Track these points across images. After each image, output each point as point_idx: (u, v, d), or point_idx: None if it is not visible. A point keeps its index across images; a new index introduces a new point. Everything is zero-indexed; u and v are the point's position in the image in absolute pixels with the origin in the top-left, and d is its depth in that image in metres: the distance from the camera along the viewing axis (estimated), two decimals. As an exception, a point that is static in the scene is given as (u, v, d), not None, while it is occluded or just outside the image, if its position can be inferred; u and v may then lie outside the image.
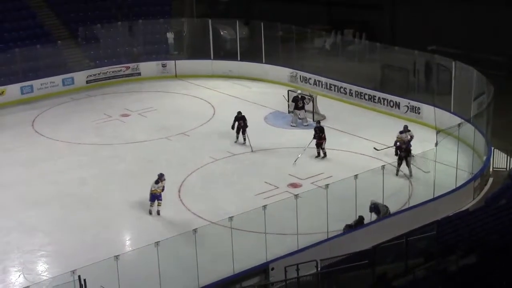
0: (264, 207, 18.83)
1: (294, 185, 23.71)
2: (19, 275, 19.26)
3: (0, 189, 24.41)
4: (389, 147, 25.37)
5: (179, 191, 23.76)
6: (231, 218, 18.62)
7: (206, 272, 18.09)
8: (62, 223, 21.89)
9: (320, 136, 25.98)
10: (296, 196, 19.54)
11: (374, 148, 25.75)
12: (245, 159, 26.32)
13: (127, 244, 21.12)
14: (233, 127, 27.58)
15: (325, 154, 26.01)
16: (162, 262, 17.36)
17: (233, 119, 27.61)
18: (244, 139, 27.39)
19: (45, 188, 24.40)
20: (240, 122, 27.55)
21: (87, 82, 36.16)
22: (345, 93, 32.59)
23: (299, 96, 29.92)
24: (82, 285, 15.64)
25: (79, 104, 33.84)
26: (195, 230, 17.74)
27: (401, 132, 25.20)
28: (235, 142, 27.54)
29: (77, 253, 19.81)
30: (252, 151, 26.77)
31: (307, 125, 29.39)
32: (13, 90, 34.02)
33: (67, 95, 34.31)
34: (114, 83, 36.41)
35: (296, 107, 29.72)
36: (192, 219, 21.53)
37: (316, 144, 26.00)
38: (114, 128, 30.33)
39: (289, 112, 30.47)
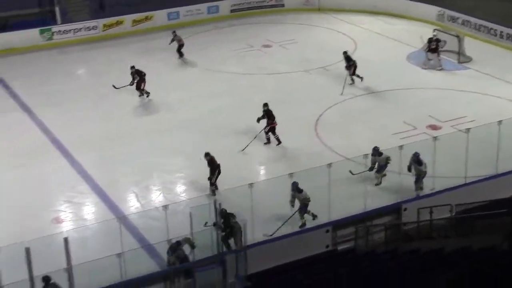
0: (401, 147, 18.53)
1: (433, 127, 23.08)
2: (159, 194, 20.14)
3: (144, 112, 25.55)
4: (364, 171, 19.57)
5: (316, 125, 23.78)
6: (366, 156, 18.53)
7: (339, 206, 18.08)
8: (201, 148, 22.42)
9: (272, 121, 22.35)
10: (435, 138, 19.05)
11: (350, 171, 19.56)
12: (385, 97, 25.85)
13: (261, 173, 21.53)
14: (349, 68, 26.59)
15: (279, 141, 22.30)
16: (295, 193, 17.58)
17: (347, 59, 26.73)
18: (352, 80, 26.57)
19: (185, 114, 25.09)
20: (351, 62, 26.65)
21: (231, 11, 36.54)
22: (495, 35, 31.04)
23: (434, 38, 28.74)
24: (216, 208, 16.18)
25: (222, 32, 34.35)
26: (329, 165, 17.75)
27: None
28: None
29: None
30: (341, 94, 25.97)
31: (440, 69, 28.25)
32: (160, 15, 34.99)
33: (211, 23, 34.87)
34: (258, 14, 36.58)
35: (429, 49, 28.58)
36: (327, 153, 21.54)
37: (269, 130, 22.34)
38: (254, 58, 30.63)
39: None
